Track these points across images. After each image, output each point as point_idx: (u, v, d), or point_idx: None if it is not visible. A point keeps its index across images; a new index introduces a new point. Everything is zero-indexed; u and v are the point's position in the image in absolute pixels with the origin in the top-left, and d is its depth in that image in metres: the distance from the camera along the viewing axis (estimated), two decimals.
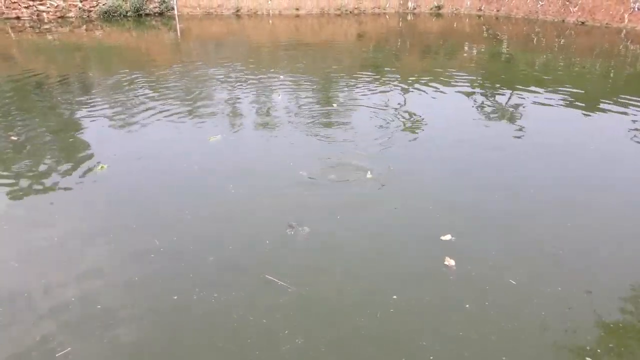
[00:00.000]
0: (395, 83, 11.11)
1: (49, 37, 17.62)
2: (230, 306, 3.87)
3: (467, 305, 3.88)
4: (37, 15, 20.81)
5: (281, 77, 11.46)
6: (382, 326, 3.67)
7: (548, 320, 3.75)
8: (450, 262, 4.43)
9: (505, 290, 4.08)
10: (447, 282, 4.19)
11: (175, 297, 3.97)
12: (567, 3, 21.82)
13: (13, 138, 7.29)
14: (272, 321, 3.72)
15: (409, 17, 23.92)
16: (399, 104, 9.39)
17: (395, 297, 3.98)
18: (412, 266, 4.42)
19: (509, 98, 10.02)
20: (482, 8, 24.48)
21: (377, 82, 11.19)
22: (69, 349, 3.45)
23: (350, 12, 24.50)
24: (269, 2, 23.59)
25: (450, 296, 4.02)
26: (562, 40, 17.67)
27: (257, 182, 5.96)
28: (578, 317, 3.79)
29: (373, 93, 10.21)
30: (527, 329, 3.66)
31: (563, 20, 21.49)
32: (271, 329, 3.65)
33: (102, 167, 6.39)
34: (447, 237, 4.75)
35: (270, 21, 22.11)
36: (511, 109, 9.22)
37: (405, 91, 10.44)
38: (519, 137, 7.70)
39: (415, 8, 25.23)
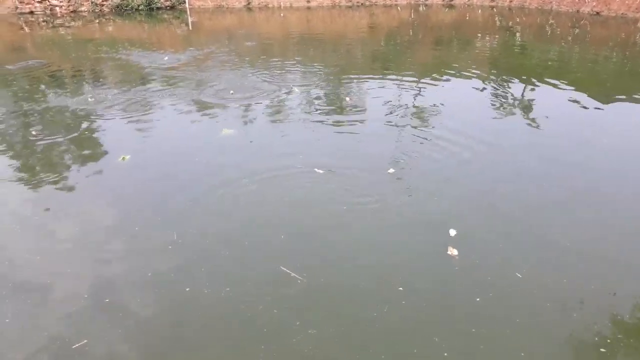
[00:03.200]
0: (407, 75, 11.06)
1: (62, 31, 17.77)
2: (243, 298, 3.93)
3: (478, 299, 3.90)
4: (50, 10, 20.98)
5: (293, 69, 11.47)
6: (393, 319, 3.71)
7: (558, 314, 3.76)
8: (453, 251, 4.46)
9: (511, 284, 4.09)
10: (454, 275, 4.21)
11: (188, 289, 4.04)
12: None
13: (34, 134, 7.41)
14: (284, 312, 3.77)
15: (420, 9, 23.76)
16: (411, 96, 9.36)
17: (401, 288, 4.02)
18: (419, 258, 4.45)
19: (523, 90, 9.95)
20: None
21: (389, 75, 11.16)
22: (85, 340, 3.53)
23: (362, 4, 24.37)
24: None
25: (458, 289, 4.04)
26: (577, 31, 17.45)
27: (270, 176, 6.00)
28: (586, 310, 3.79)
29: (384, 86, 10.19)
30: (540, 322, 3.68)
31: (578, 11, 21.21)
32: (283, 320, 3.70)
33: (123, 158, 6.51)
34: (453, 232, 4.76)
35: (282, 14, 22.07)
36: (524, 101, 9.16)
37: (417, 83, 10.40)
38: (530, 129, 7.66)
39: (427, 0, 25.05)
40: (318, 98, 9.24)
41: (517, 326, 3.64)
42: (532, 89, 9.99)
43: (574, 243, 4.64)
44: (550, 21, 19.76)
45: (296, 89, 9.79)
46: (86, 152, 6.86)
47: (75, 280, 4.19)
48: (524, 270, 4.23)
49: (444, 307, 3.85)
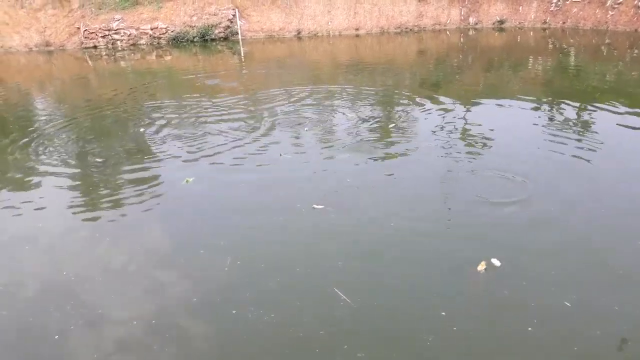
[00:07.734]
0: (457, 100, 10.97)
1: (123, 63, 18.78)
2: (289, 320, 3.99)
3: (530, 329, 3.78)
4: (112, 44, 22.17)
5: (343, 96, 11.60)
6: (443, 345, 3.65)
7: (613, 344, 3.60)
8: (482, 267, 4.44)
9: (562, 313, 3.97)
10: (502, 303, 4.11)
11: (234, 312, 4.14)
12: None
13: (97, 160, 7.83)
14: (331, 336, 3.79)
15: (470, 33, 23.58)
16: (461, 122, 9.27)
17: (443, 313, 3.99)
18: (468, 284, 4.39)
19: (577, 113, 9.65)
20: (547, 20, 23.74)
21: (438, 100, 11.10)
22: None
23: (410, 29, 24.45)
24: (329, 23, 24.00)
25: (506, 317, 3.96)
26: (636, 51, 16.83)
27: (325, 202, 6.06)
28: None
29: (434, 111, 10.14)
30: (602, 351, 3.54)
31: (636, 30, 20.48)
32: (330, 343, 3.71)
33: (187, 180, 6.76)
34: (497, 262, 4.63)
35: (331, 42, 22.45)
36: (580, 125, 8.88)
37: (467, 109, 10.29)
38: (585, 156, 7.38)
39: (477, 23, 24.85)
40: (366, 124, 9.24)
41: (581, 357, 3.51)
42: (588, 112, 9.68)
43: (631, 269, 4.45)
44: (607, 41, 19.17)
45: (346, 115, 9.88)
46: (150, 174, 7.19)
47: (129, 303, 4.38)
48: (574, 297, 4.09)
49: (499, 337, 3.78)
